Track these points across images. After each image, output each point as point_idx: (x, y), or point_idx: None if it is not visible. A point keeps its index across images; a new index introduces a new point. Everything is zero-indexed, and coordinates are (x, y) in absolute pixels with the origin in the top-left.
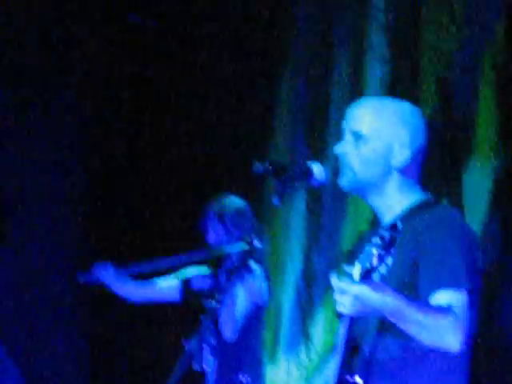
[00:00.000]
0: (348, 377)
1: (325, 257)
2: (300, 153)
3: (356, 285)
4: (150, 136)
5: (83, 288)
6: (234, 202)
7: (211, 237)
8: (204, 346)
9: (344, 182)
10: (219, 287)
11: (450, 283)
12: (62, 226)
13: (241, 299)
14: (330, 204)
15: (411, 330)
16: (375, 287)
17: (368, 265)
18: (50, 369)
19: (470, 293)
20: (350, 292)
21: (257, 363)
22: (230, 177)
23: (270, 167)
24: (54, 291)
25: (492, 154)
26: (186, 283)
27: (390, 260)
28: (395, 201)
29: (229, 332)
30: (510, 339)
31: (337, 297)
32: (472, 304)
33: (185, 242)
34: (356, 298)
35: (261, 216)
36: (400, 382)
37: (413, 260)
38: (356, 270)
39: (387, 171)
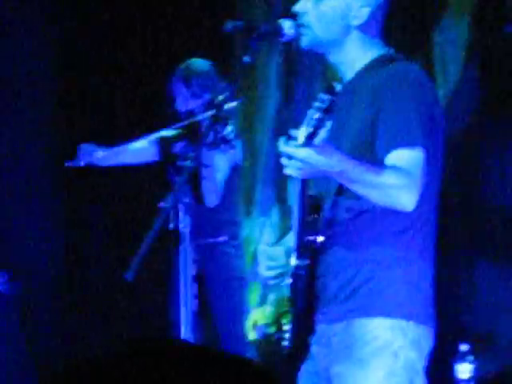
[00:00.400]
0: (309, 236)
1: (297, 114)
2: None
3: (301, 148)
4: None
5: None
6: (200, 64)
7: (179, 103)
8: (179, 205)
9: (304, 41)
10: (195, 151)
11: (404, 142)
12: (41, 116)
13: (220, 164)
14: (304, 63)
15: (362, 190)
16: (320, 149)
17: (311, 129)
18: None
19: (428, 150)
20: (296, 155)
21: (234, 223)
22: (199, 40)
23: (241, 25)
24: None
25: (468, 11)
26: (164, 141)
27: (329, 123)
28: (356, 58)
29: (212, 198)
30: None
31: (284, 161)
32: (431, 161)
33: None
34: (302, 161)
35: (232, 76)
36: (359, 241)
37: (370, 118)
38: (301, 134)
39: (346, 29)
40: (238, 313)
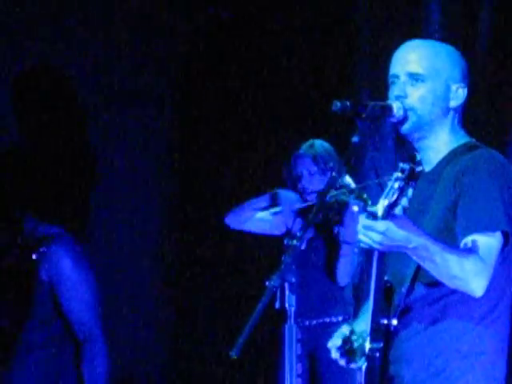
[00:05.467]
0: (384, 320)
1: None
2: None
3: (381, 221)
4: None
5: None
6: (322, 144)
7: (306, 179)
8: (285, 284)
9: (407, 124)
10: (302, 231)
11: (482, 227)
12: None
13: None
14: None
15: (434, 270)
16: (399, 223)
17: (392, 198)
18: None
19: (507, 235)
20: (376, 229)
21: (349, 303)
22: (311, 120)
23: (349, 105)
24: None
25: None
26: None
27: (410, 191)
28: (445, 142)
29: (345, 276)
30: None
31: (363, 234)
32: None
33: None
34: (382, 234)
35: (342, 156)
36: (434, 329)
37: (452, 202)
38: (381, 206)
39: (446, 110)
40: None
